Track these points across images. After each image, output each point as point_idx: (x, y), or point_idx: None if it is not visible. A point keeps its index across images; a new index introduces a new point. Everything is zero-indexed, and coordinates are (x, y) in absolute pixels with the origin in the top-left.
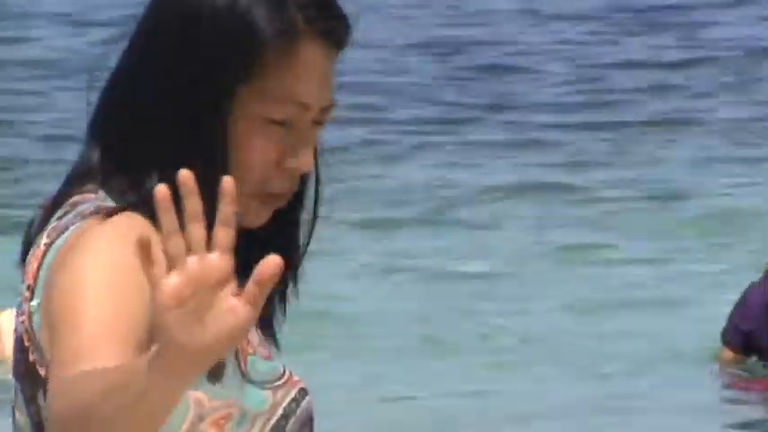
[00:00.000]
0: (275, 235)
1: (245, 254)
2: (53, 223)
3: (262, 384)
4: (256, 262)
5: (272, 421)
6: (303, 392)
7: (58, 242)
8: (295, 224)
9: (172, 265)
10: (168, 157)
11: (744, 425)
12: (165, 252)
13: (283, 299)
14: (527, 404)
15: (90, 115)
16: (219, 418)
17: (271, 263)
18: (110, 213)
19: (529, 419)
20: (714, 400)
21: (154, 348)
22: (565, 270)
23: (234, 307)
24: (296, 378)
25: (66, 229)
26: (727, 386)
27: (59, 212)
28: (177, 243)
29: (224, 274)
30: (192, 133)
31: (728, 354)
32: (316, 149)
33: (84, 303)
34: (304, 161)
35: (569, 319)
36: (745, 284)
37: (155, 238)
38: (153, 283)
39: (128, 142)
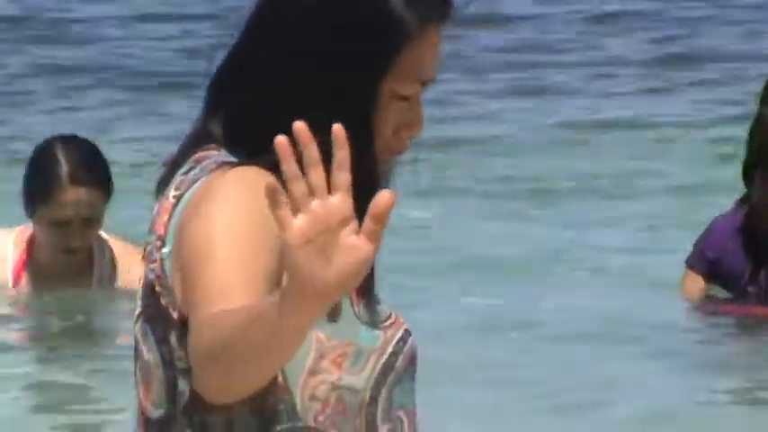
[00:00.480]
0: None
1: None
2: (179, 178)
3: (373, 324)
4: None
5: (384, 358)
6: (408, 333)
7: (188, 194)
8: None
9: (296, 208)
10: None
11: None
12: (290, 196)
13: None
14: None
15: (210, 83)
16: (338, 356)
17: (384, 197)
18: (234, 166)
19: None
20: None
21: (285, 287)
22: None
23: (356, 244)
24: (401, 320)
25: (195, 182)
26: (695, 308)
27: (184, 168)
28: (300, 188)
29: (345, 214)
30: (345, 106)
31: (692, 276)
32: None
33: (217, 249)
34: (416, 130)
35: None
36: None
37: (279, 188)
38: (281, 225)
39: (256, 111)
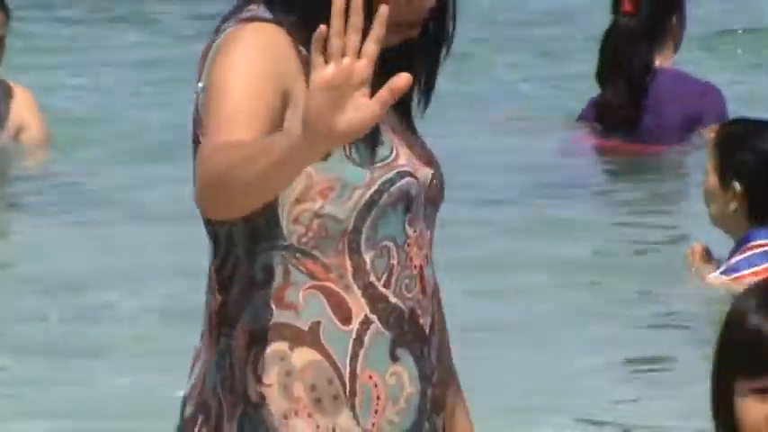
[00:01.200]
0: (420, 61)
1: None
2: (223, 26)
3: (362, 164)
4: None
5: (367, 195)
6: (402, 174)
7: (219, 39)
8: (434, 57)
9: (329, 58)
10: None
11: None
12: (328, 47)
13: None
14: None
15: None
16: (324, 189)
17: (402, 77)
18: (257, 19)
19: None
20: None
21: (291, 125)
22: None
23: (367, 103)
24: (402, 162)
25: (226, 30)
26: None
27: (228, 21)
28: (338, 43)
29: (365, 76)
30: None
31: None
32: None
33: (229, 84)
34: (428, 2)
35: None
36: None
37: (288, 47)
38: (314, 66)
39: None
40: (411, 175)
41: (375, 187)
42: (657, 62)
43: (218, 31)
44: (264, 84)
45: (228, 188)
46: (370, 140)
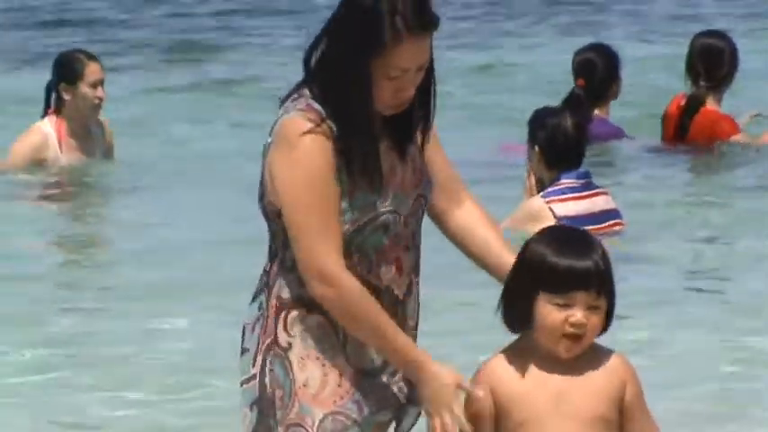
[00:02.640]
0: (417, 111)
1: (397, 125)
2: (292, 98)
3: (359, 208)
4: (401, 127)
5: (357, 225)
6: (385, 213)
7: (276, 126)
8: (427, 107)
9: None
10: (343, 80)
11: None
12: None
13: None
14: None
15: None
16: None
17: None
18: (304, 110)
19: None
20: None
21: (408, 364)
22: None
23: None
24: (387, 205)
25: (287, 111)
26: None
27: (294, 95)
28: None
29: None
30: (354, 75)
31: None
32: (430, 70)
33: (307, 201)
34: (407, 94)
35: None
36: None
37: (328, 133)
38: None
39: (322, 70)
40: (393, 212)
41: (362, 222)
42: (596, 112)
43: (285, 100)
44: (330, 181)
45: (343, 319)
46: (369, 190)
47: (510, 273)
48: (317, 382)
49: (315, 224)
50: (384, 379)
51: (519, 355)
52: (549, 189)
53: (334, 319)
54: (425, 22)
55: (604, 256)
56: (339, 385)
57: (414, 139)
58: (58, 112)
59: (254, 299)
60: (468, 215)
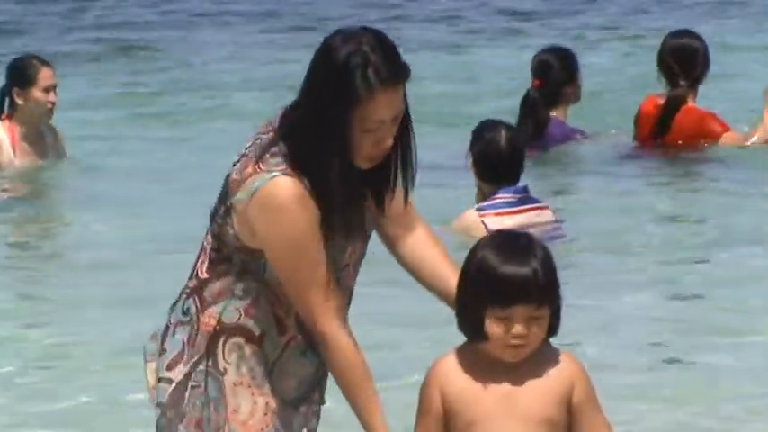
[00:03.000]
0: (377, 175)
1: (363, 182)
2: (269, 154)
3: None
4: (370, 186)
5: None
6: (343, 268)
7: (256, 182)
8: (387, 169)
9: None
10: (321, 138)
11: None
12: None
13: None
14: None
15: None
16: None
17: None
18: (285, 173)
19: None
20: None
21: None
22: None
23: None
24: (345, 260)
25: (269, 171)
26: None
27: (272, 151)
28: None
29: None
30: (332, 132)
31: None
32: (406, 123)
33: (296, 256)
34: (385, 145)
35: None
36: None
37: (308, 196)
38: None
39: (300, 128)
40: (346, 265)
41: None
42: (553, 113)
43: (260, 158)
44: (316, 241)
45: (335, 367)
46: (338, 244)
47: (457, 287)
48: (247, 409)
49: (312, 279)
50: (303, 409)
51: (470, 356)
52: (485, 203)
53: (269, 349)
54: (397, 73)
55: (545, 261)
56: (265, 413)
57: (389, 184)
58: (10, 116)
59: (177, 301)
60: (418, 242)
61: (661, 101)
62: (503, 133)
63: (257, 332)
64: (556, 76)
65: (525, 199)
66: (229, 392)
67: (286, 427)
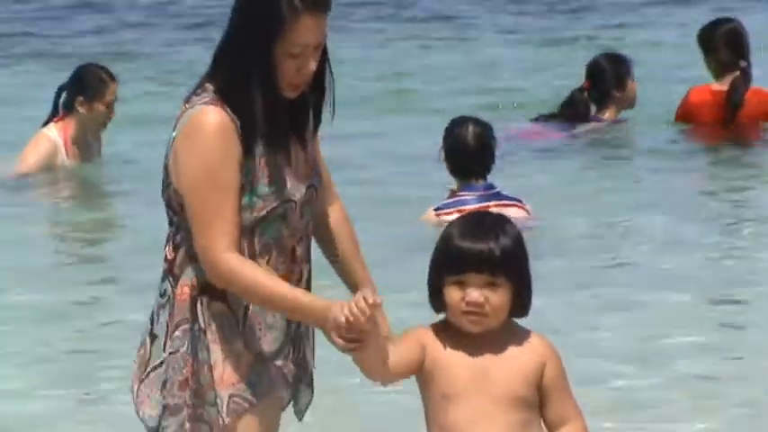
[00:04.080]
0: (312, 98)
1: (293, 111)
2: (195, 94)
3: (260, 196)
4: (297, 118)
5: (260, 215)
6: (284, 202)
7: (184, 119)
8: (321, 92)
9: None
10: (246, 68)
11: None
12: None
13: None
14: None
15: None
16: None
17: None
18: (210, 103)
19: None
20: None
21: (306, 310)
22: None
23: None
24: (286, 194)
25: (194, 106)
26: None
27: (198, 91)
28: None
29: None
30: (258, 58)
31: None
32: (325, 54)
33: (206, 188)
34: (309, 69)
35: None
36: None
37: (232, 126)
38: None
39: (226, 63)
40: (290, 200)
41: (263, 212)
42: (606, 115)
43: (188, 100)
44: (231, 171)
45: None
46: (268, 180)
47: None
48: (219, 365)
49: (209, 213)
50: (278, 363)
51: (444, 332)
52: (443, 202)
53: (234, 306)
54: (319, 1)
55: (507, 235)
56: (237, 367)
57: (308, 126)
58: (63, 118)
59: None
60: (334, 220)
61: (716, 88)
62: (470, 129)
63: (219, 289)
64: (605, 79)
65: (489, 196)
66: (209, 350)
67: (259, 380)
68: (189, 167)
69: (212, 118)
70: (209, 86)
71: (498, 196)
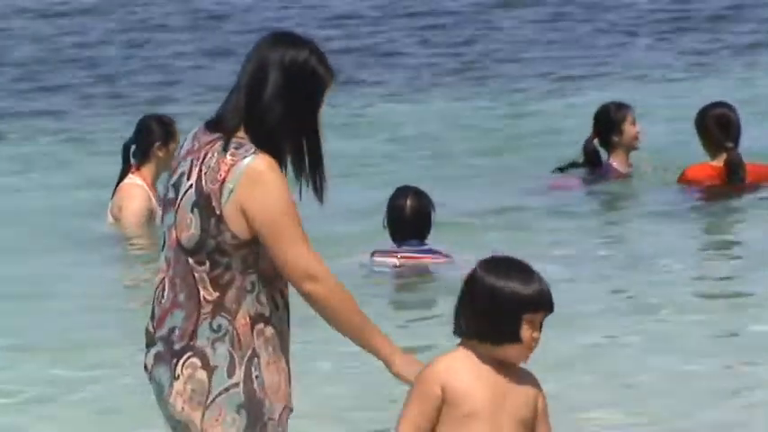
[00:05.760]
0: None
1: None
2: (231, 149)
3: None
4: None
5: None
6: None
7: (243, 164)
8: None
9: None
10: (292, 136)
11: None
12: None
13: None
14: None
15: (235, 98)
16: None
17: None
18: (257, 152)
19: None
20: None
21: (395, 360)
22: None
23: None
24: None
25: (245, 157)
26: None
27: (234, 144)
28: None
29: None
30: (303, 124)
31: None
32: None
33: (288, 212)
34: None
35: None
36: None
37: (278, 168)
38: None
39: (262, 121)
40: None
41: None
42: (616, 161)
43: (227, 149)
44: (294, 202)
45: (326, 312)
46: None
47: (482, 299)
48: (275, 383)
49: (299, 235)
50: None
51: (469, 357)
52: (376, 248)
53: (278, 328)
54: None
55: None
56: (287, 383)
57: None
58: (139, 167)
59: (198, 325)
60: None
61: (716, 164)
62: (407, 201)
63: (267, 313)
64: (605, 126)
65: (421, 251)
66: (265, 371)
67: (291, 388)
68: (269, 204)
69: (270, 162)
70: (243, 140)
71: (432, 251)
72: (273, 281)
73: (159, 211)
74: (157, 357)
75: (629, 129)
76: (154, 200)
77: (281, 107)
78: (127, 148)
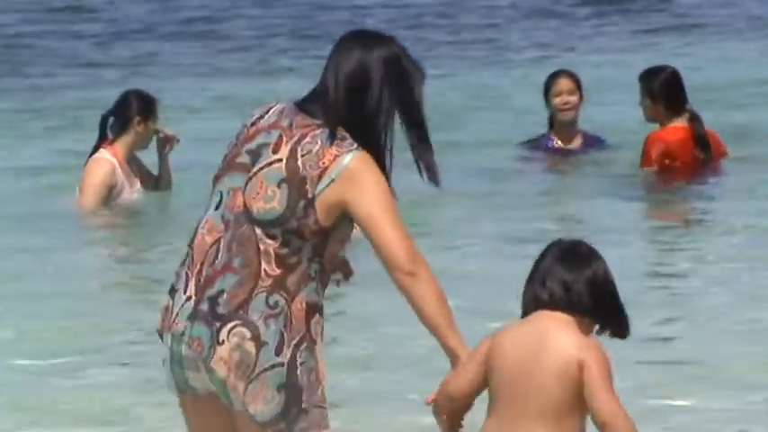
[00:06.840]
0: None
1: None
2: (337, 141)
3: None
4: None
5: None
6: None
7: (347, 160)
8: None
9: None
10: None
11: None
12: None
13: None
14: None
15: (328, 91)
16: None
17: None
18: (358, 149)
19: None
20: None
21: (453, 353)
22: None
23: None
24: None
25: (350, 151)
26: None
27: (339, 136)
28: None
29: None
30: (412, 117)
31: None
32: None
33: (389, 205)
34: None
35: None
36: None
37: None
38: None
39: (359, 120)
40: None
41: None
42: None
43: (332, 140)
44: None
45: (418, 298)
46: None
47: (589, 288)
48: (319, 373)
49: (400, 227)
50: None
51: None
52: None
53: (323, 315)
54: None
55: None
56: (324, 377)
57: None
58: (112, 142)
59: (253, 297)
60: None
61: (681, 125)
62: None
63: (321, 304)
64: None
65: None
66: (320, 360)
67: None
68: (371, 198)
69: (371, 160)
70: (344, 134)
71: None
72: (328, 277)
73: (126, 187)
74: (198, 315)
75: (552, 100)
76: (122, 175)
77: (390, 104)
78: (105, 119)
